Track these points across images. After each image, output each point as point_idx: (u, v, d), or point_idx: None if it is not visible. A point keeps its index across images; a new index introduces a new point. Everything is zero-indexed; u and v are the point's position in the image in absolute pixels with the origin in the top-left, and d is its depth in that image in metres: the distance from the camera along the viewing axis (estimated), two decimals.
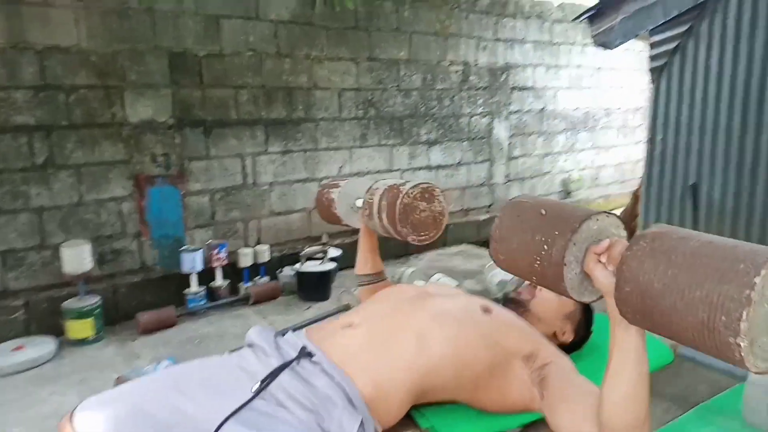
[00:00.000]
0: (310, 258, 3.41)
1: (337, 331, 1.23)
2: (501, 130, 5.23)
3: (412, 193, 1.29)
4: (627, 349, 0.86)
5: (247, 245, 3.66)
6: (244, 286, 3.38)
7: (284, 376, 1.09)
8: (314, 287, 3.34)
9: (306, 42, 3.93)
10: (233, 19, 3.59)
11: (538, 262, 0.91)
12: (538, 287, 1.43)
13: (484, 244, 4.99)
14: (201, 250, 3.19)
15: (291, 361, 1.12)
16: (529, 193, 5.48)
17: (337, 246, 3.80)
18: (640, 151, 6.60)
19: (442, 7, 4.62)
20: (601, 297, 0.89)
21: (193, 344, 2.75)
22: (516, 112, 5.31)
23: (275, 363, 1.13)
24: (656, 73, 3.59)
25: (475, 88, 4.96)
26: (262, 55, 3.75)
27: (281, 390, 1.07)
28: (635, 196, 4.16)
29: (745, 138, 3.14)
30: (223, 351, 2.53)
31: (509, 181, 5.37)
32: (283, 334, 1.27)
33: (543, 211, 0.96)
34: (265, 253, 3.48)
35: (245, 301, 3.30)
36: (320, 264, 3.39)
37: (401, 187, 1.33)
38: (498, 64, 5.09)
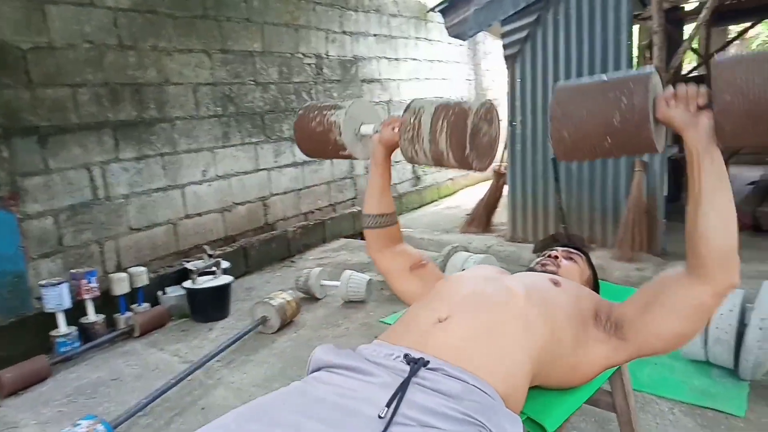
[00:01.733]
0: (202, 273, 3.01)
1: (430, 328, 1.08)
2: None
3: (480, 112, 1.11)
4: (718, 173, 0.93)
5: (106, 271, 3.10)
6: (123, 317, 2.86)
7: (412, 393, 0.93)
8: (211, 305, 2.97)
9: (151, 32, 3.45)
10: (62, 5, 2.98)
11: (618, 118, 0.94)
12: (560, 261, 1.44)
13: (362, 236, 4.99)
14: (66, 283, 2.61)
15: (412, 374, 0.95)
16: None
17: (218, 257, 3.43)
18: None
19: None
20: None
21: (86, 396, 2.23)
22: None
23: (388, 380, 0.95)
24: (510, 60, 3.92)
25: (330, 80, 4.89)
26: (101, 47, 3.18)
27: (416, 408, 0.90)
28: (497, 174, 4.51)
29: None
30: (129, 396, 2.11)
31: (369, 172, 5.43)
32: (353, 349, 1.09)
33: (605, 77, 1.00)
34: (142, 275, 2.98)
35: (128, 334, 2.80)
36: (214, 279, 3.02)
37: (465, 106, 1.13)
38: (347, 57, 5.08)
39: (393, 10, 5.68)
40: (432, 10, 4.32)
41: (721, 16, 5.22)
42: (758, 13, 5.89)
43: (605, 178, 3.64)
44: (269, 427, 0.88)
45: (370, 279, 3.12)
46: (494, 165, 7.23)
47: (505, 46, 3.92)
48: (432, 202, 5.94)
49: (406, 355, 1.00)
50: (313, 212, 4.78)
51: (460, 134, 1.09)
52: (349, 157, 1.36)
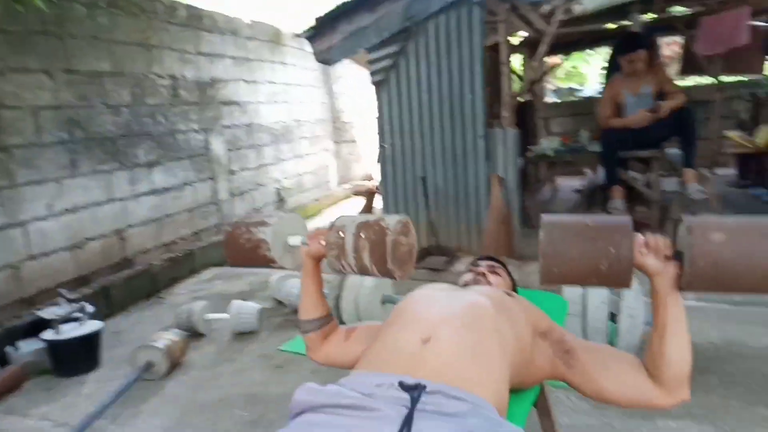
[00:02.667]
0: (65, 320, 2.64)
1: (416, 351, 1.08)
2: (218, 145, 5.03)
3: (396, 229, 1.23)
4: (680, 317, 1.09)
5: None
6: None
7: (418, 421, 0.92)
8: (80, 357, 2.61)
9: None
10: None
11: (605, 264, 1.07)
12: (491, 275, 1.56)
13: None
14: None
15: (415, 402, 0.95)
16: (249, 212, 5.47)
17: (80, 300, 3.04)
18: (328, 157, 7.34)
19: (140, 16, 4.15)
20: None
21: None
22: (228, 126, 5.20)
23: (391, 413, 0.93)
24: (378, 86, 4.10)
25: (187, 103, 4.64)
26: None
27: None
28: (369, 192, 4.65)
29: (455, 137, 3.93)
30: None
31: (233, 196, 5.23)
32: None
33: (588, 221, 1.12)
34: None
35: None
36: (80, 326, 2.67)
37: (383, 223, 1.24)
38: (204, 79, 4.87)
39: (248, 33, 5.59)
40: (299, 35, 4.34)
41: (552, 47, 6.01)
42: (571, 47, 6.92)
43: (468, 194, 3.97)
44: None
45: (260, 307, 3.01)
46: (368, 184, 7.43)
47: (372, 73, 4.10)
48: None
49: (400, 383, 1.00)
50: (176, 242, 4.46)
51: (380, 251, 1.19)
52: (280, 267, 1.43)
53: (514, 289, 1.65)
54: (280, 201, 6.02)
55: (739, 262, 0.99)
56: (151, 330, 3.13)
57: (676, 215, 4.13)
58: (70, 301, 2.82)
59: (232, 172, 5.23)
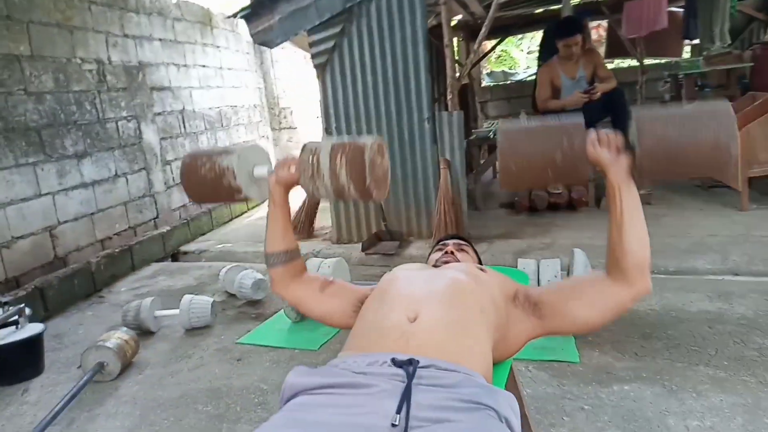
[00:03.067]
0: (2, 325, 2.44)
1: (405, 329, 1.08)
2: (150, 134, 4.79)
3: (374, 147, 1.20)
4: (636, 206, 1.14)
5: None
6: None
7: (416, 393, 0.93)
8: (21, 363, 2.43)
9: None
10: None
11: (560, 156, 1.13)
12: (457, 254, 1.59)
13: (175, 257, 4.57)
14: None
15: (412, 375, 0.95)
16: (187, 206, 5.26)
17: (16, 304, 2.82)
18: (267, 145, 7.16)
19: None
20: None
21: None
22: (160, 113, 4.95)
23: (387, 387, 0.94)
24: (320, 69, 4.03)
25: (115, 89, 4.37)
26: None
27: (425, 408, 0.90)
28: None
29: (401, 120, 3.94)
30: None
31: (169, 188, 5.00)
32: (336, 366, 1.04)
33: (542, 124, 1.19)
34: None
35: None
36: (19, 330, 2.48)
37: (360, 143, 1.21)
38: (132, 63, 4.60)
39: (176, 14, 5.32)
40: (234, 16, 4.17)
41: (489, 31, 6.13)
42: (504, 31, 7.08)
43: (416, 177, 4.01)
44: None
45: (213, 301, 2.92)
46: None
47: (313, 56, 4.02)
48: (242, 214, 5.74)
49: (393, 360, 1.01)
50: (111, 238, 4.22)
51: (359, 169, 1.18)
52: (244, 200, 1.38)
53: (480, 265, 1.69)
54: None
55: (685, 141, 1.07)
56: (94, 331, 2.97)
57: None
58: (3, 304, 2.61)
59: (167, 163, 5.00)
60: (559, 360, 2.26)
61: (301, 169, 1.25)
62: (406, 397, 0.92)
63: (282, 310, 2.88)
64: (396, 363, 1.00)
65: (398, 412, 0.90)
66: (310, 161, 1.23)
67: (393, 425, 0.88)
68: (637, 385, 2.06)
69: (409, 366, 0.98)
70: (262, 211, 5.80)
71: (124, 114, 4.47)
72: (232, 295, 3.28)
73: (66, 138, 3.84)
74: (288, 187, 1.33)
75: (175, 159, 5.12)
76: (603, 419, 1.87)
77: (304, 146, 1.28)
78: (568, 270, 2.51)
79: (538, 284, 2.44)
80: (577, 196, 4.29)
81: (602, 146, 1.14)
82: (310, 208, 4.50)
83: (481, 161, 5.24)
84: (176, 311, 2.84)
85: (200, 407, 2.15)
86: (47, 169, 3.67)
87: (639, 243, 1.15)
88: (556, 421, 1.89)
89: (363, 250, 3.94)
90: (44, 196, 3.63)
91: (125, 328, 2.62)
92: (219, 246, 4.54)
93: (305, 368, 1.06)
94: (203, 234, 5.00)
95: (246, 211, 5.82)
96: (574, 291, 1.25)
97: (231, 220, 5.50)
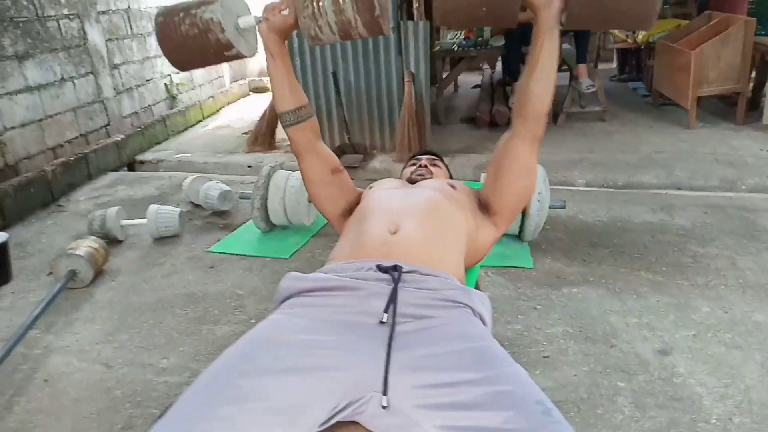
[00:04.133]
0: None
1: (388, 239, 1.15)
2: (95, 35, 4.47)
3: None
4: (553, 53, 1.16)
5: None
6: None
7: (402, 294, 1.02)
8: None
9: None
10: None
11: None
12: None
13: (131, 166, 4.45)
14: None
15: (398, 277, 1.03)
16: (138, 112, 5.03)
17: None
18: None
19: None
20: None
21: None
22: (105, 12, 4.60)
23: (376, 289, 1.02)
24: None
25: None
26: None
27: (410, 306, 1.00)
28: None
29: None
30: None
31: (119, 93, 4.76)
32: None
33: None
34: None
35: None
36: None
37: None
38: None
39: None
40: None
41: None
42: None
43: (380, 89, 3.98)
44: (288, 348, 0.94)
45: (180, 211, 2.92)
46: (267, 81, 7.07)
47: None
48: (198, 122, 5.56)
49: (378, 266, 1.09)
50: (62, 146, 4.05)
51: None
52: (236, 57, 1.23)
53: (451, 178, 1.78)
54: (172, 98, 5.59)
55: None
56: (58, 239, 2.95)
57: (568, 109, 4.49)
58: None
59: (114, 66, 4.72)
60: (515, 266, 2.44)
61: (298, 9, 1.11)
62: (393, 297, 1.01)
63: (251, 220, 2.92)
64: (381, 269, 1.08)
65: (386, 311, 1.00)
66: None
67: (381, 322, 0.98)
68: (585, 288, 2.27)
69: (394, 271, 1.07)
70: (220, 120, 5.65)
71: (66, 12, 4.14)
72: (198, 206, 3.28)
73: (3, 37, 3.55)
74: (284, 33, 1.23)
75: (123, 62, 4.84)
76: (553, 317, 2.08)
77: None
78: None
79: None
80: None
81: None
82: (271, 119, 4.42)
83: (444, 75, 5.22)
84: (143, 221, 2.84)
85: (178, 311, 2.23)
86: None
87: (543, 90, 1.20)
88: (512, 319, 2.09)
89: None
90: None
91: (93, 237, 2.61)
92: (177, 156, 4.44)
93: (298, 274, 1.14)
94: (158, 143, 4.85)
95: (201, 120, 5.65)
96: (496, 172, 1.33)
97: (186, 129, 5.34)
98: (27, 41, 3.74)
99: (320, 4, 1.08)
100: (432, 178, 1.62)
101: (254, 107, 5.83)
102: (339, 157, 4.24)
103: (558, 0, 1.15)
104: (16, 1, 3.66)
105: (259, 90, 6.99)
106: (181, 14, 1.17)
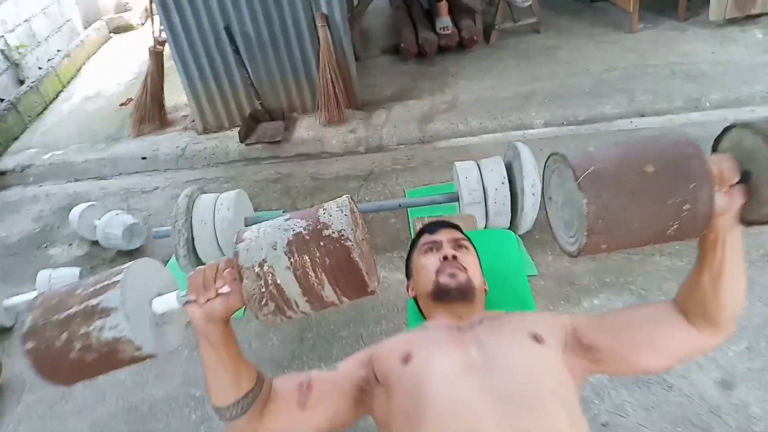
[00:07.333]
0: None
1: None
2: None
3: (354, 231, 0.78)
4: (739, 256, 0.88)
5: None
6: None
7: None
8: None
9: None
10: None
11: (675, 227, 0.77)
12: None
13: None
14: None
15: None
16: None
17: None
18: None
19: None
20: None
21: None
22: None
23: None
24: None
25: None
26: None
27: None
28: (155, 53, 3.50)
29: None
30: None
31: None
32: None
33: (647, 167, 0.76)
34: None
35: None
36: None
37: (332, 231, 0.78)
38: None
39: None
40: None
41: None
42: None
43: (288, 38, 3.23)
44: None
45: (80, 269, 2.24)
46: (127, 17, 5.81)
47: None
48: (58, 95, 4.44)
49: None
50: None
51: (353, 277, 0.80)
52: (147, 358, 0.83)
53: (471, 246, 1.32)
54: (15, 66, 4.39)
55: None
56: None
57: (501, 25, 3.97)
58: None
59: None
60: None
61: (253, 303, 0.79)
62: None
63: (172, 257, 2.31)
64: None
65: None
66: (264, 291, 0.78)
67: None
68: (606, 296, 2.01)
69: None
70: (84, 86, 4.56)
71: None
72: (95, 242, 2.57)
73: None
74: (226, 318, 0.85)
75: None
76: None
77: (236, 252, 0.80)
78: (510, 168, 2.20)
79: (484, 194, 2.14)
80: (467, 35, 3.83)
81: (718, 187, 0.78)
82: (156, 90, 3.55)
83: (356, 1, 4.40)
84: (34, 293, 2.16)
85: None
86: None
87: (737, 296, 0.90)
88: None
89: (242, 140, 3.28)
90: None
91: None
92: (46, 156, 3.51)
93: None
94: (16, 138, 3.83)
95: (62, 91, 4.54)
96: (638, 335, 0.98)
97: (46, 108, 4.26)
98: None
99: (284, 298, 0.79)
100: (467, 274, 1.17)
101: (121, 59, 4.76)
102: (254, 128, 3.58)
103: (738, 194, 0.79)
104: None
105: (120, 29, 5.77)
106: (63, 336, 0.78)
